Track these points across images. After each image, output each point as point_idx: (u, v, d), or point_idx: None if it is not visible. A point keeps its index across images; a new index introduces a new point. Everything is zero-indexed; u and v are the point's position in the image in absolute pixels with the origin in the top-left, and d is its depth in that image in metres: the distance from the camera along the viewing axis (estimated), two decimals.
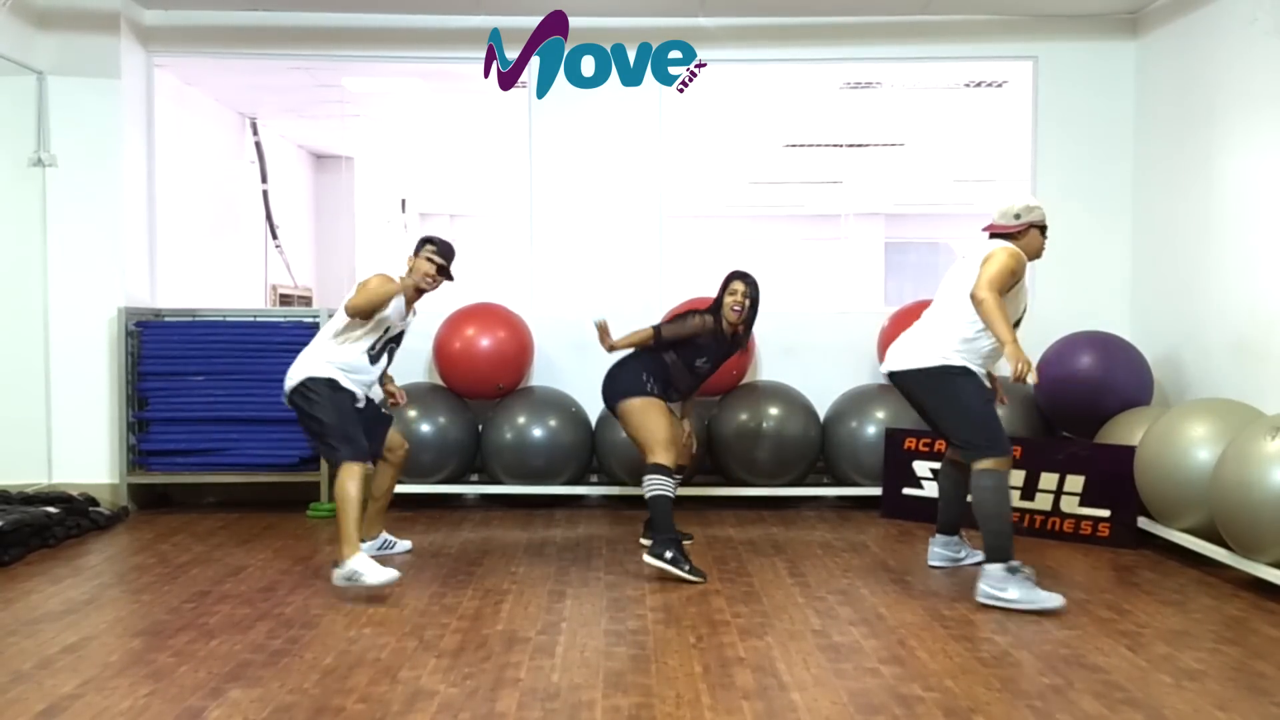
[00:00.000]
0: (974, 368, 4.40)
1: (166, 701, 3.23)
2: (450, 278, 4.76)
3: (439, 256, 4.71)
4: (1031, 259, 4.47)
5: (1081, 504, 5.45)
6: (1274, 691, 3.35)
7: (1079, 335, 6.12)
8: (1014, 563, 4.24)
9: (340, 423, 4.57)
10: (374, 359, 4.77)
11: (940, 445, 5.93)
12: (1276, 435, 4.31)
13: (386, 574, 4.34)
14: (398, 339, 4.89)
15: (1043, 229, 4.51)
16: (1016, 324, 4.41)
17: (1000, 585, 4.22)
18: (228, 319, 6.46)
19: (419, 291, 4.76)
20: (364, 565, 4.35)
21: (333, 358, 4.67)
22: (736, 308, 5.00)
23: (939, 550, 4.89)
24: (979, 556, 4.51)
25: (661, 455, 4.79)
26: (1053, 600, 4.18)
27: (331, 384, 4.62)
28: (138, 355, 6.29)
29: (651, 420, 4.87)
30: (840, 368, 6.62)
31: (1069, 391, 5.91)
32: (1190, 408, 5.19)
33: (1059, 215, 6.67)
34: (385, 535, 5.14)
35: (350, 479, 4.44)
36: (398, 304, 4.73)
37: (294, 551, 5.27)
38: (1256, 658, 3.68)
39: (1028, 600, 4.17)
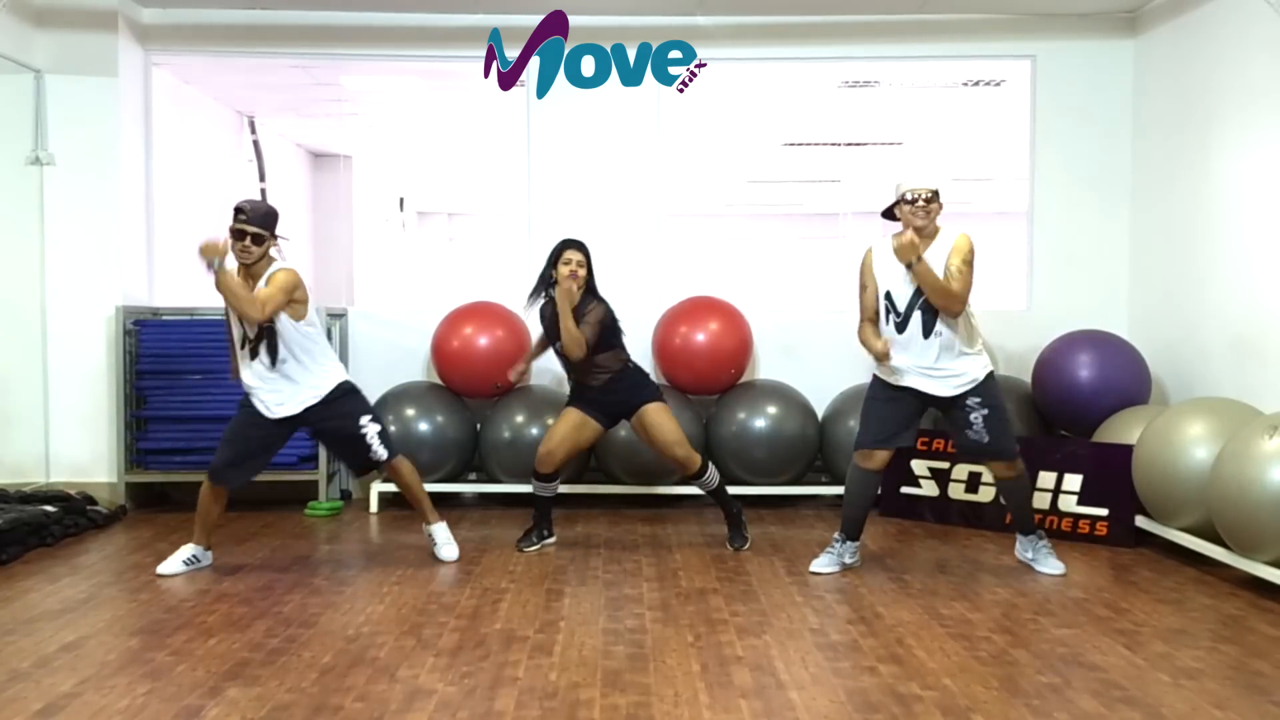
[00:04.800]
0: (878, 371, 4.81)
1: (164, 700, 3.23)
2: (261, 239, 4.60)
3: (246, 223, 4.58)
4: (904, 230, 4.59)
5: (1079, 503, 5.45)
6: (1272, 690, 3.36)
7: (1077, 334, 6.12)
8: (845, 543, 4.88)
9: (226, 431, 4.87)
10: (252, 354, 4.71)
11: (938, 444, 5.94)
12: (1274, 434, 4.31)
13: (168, 566, 4.78)
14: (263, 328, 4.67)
15: (907, 200, 4.58)
16: (919, 298, 4.59)
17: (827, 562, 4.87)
18: (226, 318, 6.45)
19: (244, 266, 4.63)
20: (179, 552, 4.85)
21: None
22: (572, 274, 5.06)
23: (1017, 547, 4.96)
24: (1054, 567, 4.80)
25: (537, 460, 5.20)
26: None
27: (245, 399, 4.83)
28: (135, 354, 6.28)
29: (553, 424, 5.30)
30: (838, 366, 6.61)
31: (1067, 390, 5.92)
32: (1188, 406, 5.19)
33: (1057, 214, 6.73)
34: (428, 529, 5.04)
35: (203, 486, 4.84)
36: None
37: (292, 550, 5.27)
38: (1254, 656, 3.68)
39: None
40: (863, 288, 4.74)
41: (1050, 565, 4.78)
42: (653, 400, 5.15)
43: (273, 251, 4.74)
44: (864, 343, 4.75)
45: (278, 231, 4.74)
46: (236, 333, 4.76)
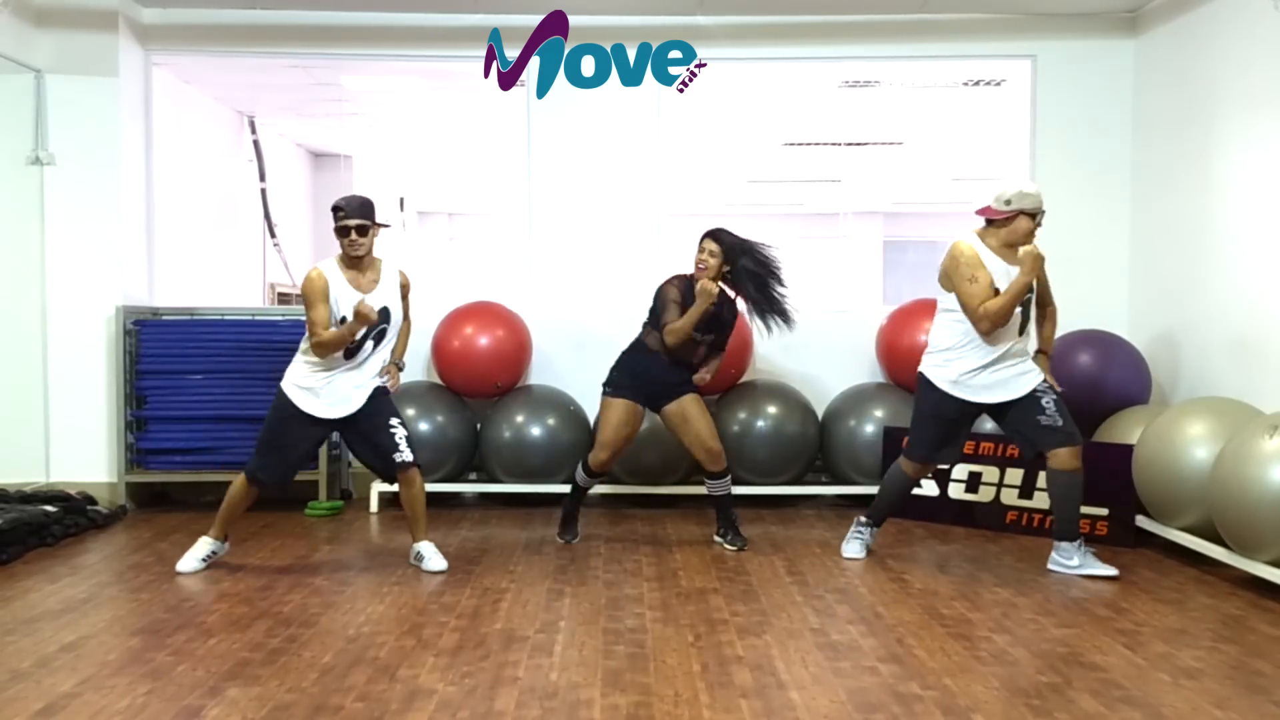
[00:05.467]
0: (940, 381, 4.75)
1: (165, 700, 3.23)
2: (366, 229, 4.64)
3: (347, 218, 4.62)
4: (1017, 243, 4.70)
5: None
6: (1272, 690, 3.36)
7: (1077, 333, 6.12)
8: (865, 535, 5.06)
9: (268, 437, 4.79)
10: (350, 353, 4.71)
11: None
12: (1274, 434, 4.31)
13: (186, 564, 4.79)
14: (377, 321, 4.71)
15: (1032, 215, 4.68)
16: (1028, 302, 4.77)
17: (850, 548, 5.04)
18: (226, 318, 6.46)
19: (355, 259, 4.67)
20: (196, 549, 4.84)
21: (297, 374, 4.75)
22: (700, 265, 5.20)
23: (1055, 557, 4.83)
24: (1107, 569, 4.71)
25: (591, 455, 5.28)
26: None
27: (284, 399, 4.74)
28: (136, 354, 6.28)
29: (601, 420, 5.30)
30: (839, 366, 6.62)
31: (1067, 390, 5.90)
32: (1188, 406, 5.19)
33: (1058, 214, 6.68)
34: (415, 547, 4.90)
35: (237, 483, 4.83)
36: (342, 290, 4.65)
37: (292, 550, 5.27)
38: (1254, 656, 3.68)
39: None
40: (974, 279, 4.62)
41: (1103, 568, 4.69)
42: (694, 391, 5.26)
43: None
44: (1002, 309, 4.61)
45: (378, 219, 4.77)
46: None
